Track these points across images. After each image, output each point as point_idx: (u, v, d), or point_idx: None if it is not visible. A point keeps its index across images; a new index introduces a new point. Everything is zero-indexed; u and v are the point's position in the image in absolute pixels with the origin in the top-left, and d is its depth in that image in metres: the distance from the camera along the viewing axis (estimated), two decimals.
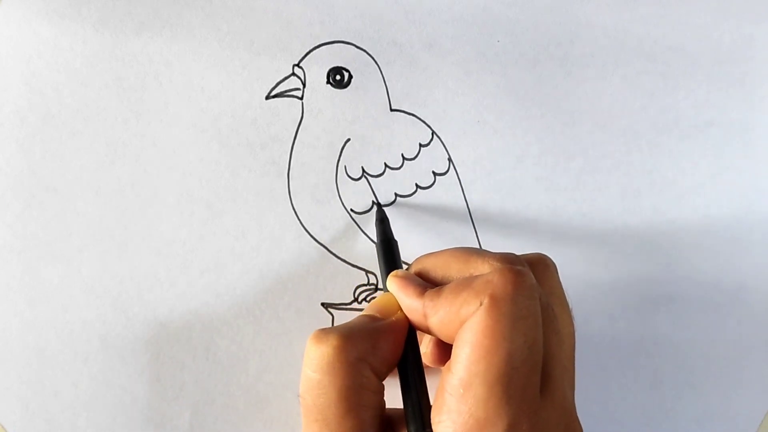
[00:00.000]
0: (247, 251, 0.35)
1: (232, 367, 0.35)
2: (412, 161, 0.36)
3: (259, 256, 0.35)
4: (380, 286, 0.36)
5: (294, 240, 0.36)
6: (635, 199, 0.37)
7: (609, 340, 0.36)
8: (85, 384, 0.35)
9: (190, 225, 0.35)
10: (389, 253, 0.33)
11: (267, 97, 0.36)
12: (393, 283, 0.29)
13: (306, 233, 0.36)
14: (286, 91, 0.36)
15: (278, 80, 0.36)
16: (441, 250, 0.30)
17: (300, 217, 0.36)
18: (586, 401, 0.37)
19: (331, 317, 0.36)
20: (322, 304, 0.36)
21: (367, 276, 0.36)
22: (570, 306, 0.29)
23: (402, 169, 0.36)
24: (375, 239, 0.36)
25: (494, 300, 0.25)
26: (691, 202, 0.37)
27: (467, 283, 0.26)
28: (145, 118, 0.35)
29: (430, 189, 0.36)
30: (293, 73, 0.36)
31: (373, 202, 0.36)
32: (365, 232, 0.36)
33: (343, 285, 0.36)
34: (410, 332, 0.28)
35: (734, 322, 0.37)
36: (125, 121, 0.35)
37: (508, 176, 0.37)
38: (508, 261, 0.27)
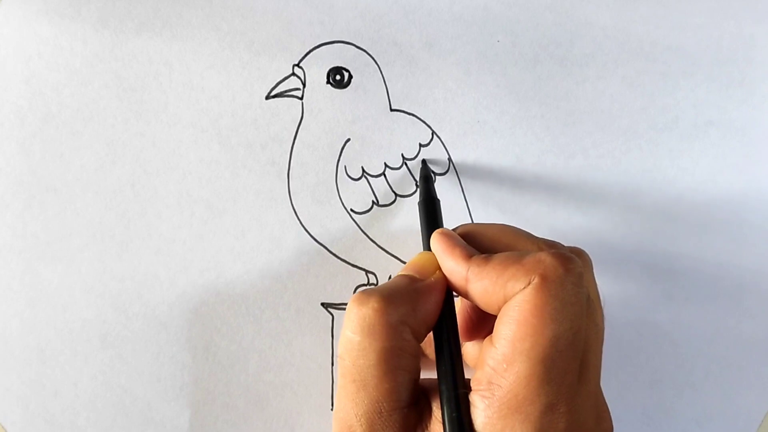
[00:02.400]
0: (247, 251, 0.35)
1: (232, 367, 0.35)
2: (412, 161, 0.36)
3: (259, 256, 0.35)
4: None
5: (294, 240, 0.36)
6: (635, 199, 0.37)
7: (609, 339, 0.36)
8: (85, 384, 0.35)
9: (190, 225, 0.35)
10: (432, 212, 0.32)
11: (267, 97, 0.36)
12: (438, 241, 0.29)
13: (306, 233, 0.36)
14: (286, 91, 0.36)
15: (278, 80, 0.36)
16: (489, 223, 0.30)
17: (300, 217, 0.36)
18: None
19: (331, 317, 0.36)
20: (322, 304, 0.36)
21: (367, 276, 0.36)
22: (603, 303, 0.29)
23: (402, 169, 0.36)
24: (372, 239, 0.36)
25: (545, 280, 0.25)
26: (691, 202, 0.37)
27: (517, 258, 0.26)
28: (145, 118, 0.35)
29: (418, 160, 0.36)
30: (293, 73, 0.36)
31: (423, 160, 0.36)
32: (365, 232, 0.36)
33: (343, 285, 0.36)
34: (448, 294, 0.28)
35: (734, 322, 0.37)
36: (125, 121, 0.35)
37: (508, 176, 0.37)
38: (557, 247, 0.28)
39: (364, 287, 0.27)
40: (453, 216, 0.36)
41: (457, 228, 0.30)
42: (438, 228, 0.30)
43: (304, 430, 0.36)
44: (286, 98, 0.36)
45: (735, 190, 0.38)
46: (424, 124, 0.36)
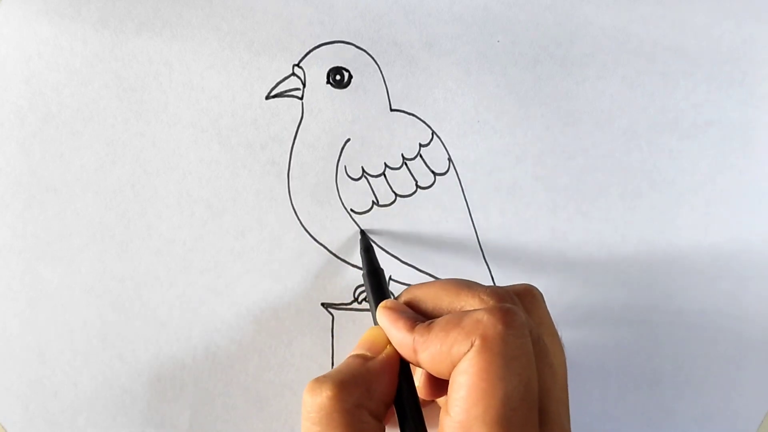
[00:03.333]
0: (247, 251, 0.35)
1: (232, 367, 0.35)
2: (412, 161, 0.36)
3: (259, 256, 0.35)
4: None
5: (294, 240, 0.36)
6: (635, 199, 0.37)
7: (608, 339, 0.36)
8: (85, 384, 0.35)
9: (190, 225, 0.35)
10: (377, 284, 0.32)
11: (267, 97, 0.36)
12: (383, 315, 0.29)
13: (306, 233, 0.36)
14: (286, 91, 0.36)
15: (278, 80, 0.36)
16: (431, 281, 0.30)
17: (300, 217, 0.36)
18: (586, 401, 0.37)
19: (331, 317, 0.36)
20: (322, 304, 0.36)
21: None
22: (559, 333, 0.29)
23: (402, 169, 0.36)
24: (372, 239, 0.36)
25: (485, 340, 0.25)
26: (691, 202, 0.37)
27: (457, 320, 0.26)
28: (145, 118, 0.35)
29: (430, 189, 0.36)
30: (293, 73, 0.36)
31: (358, 229, 0.36)
32: (365, 232, 0.36)
33: (343, 285, 0.36)
34: (403, 365, 0.28)
35: (734, 322, 0.37)
36: (125, 121, 0.35)
37: (508, 176, 0.37)
38: (498, 297, 0.27)
39: (317, 378, 0.27)
40: (453, 216, 0.36)
41: (400, 295, 0.30)
42: (383, 299, 0.30)
43: None
44: (286, 98, 0.36)
45: (735, 190, 0.38)
46: (424, 124, 0.36)
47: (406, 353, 0.28)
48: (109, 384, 0.35)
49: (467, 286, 0.28)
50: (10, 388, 0.35)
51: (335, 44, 0.36)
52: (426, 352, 0.26)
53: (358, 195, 0.36)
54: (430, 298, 0.29)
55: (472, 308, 0.27)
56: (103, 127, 0.35)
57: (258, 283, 0.35)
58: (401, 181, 0.36)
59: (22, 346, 0.35)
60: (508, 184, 0.37)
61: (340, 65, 0.36)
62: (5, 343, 0.35)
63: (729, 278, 0.37)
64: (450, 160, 0.36)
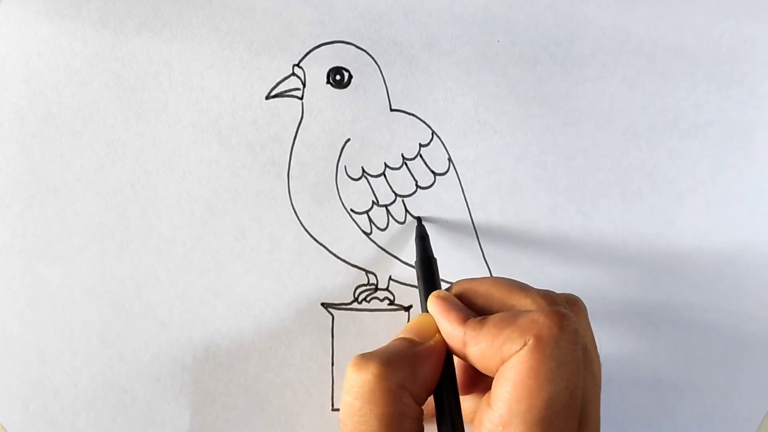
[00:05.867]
0: (247, 251, 0.35)
1: (232, 367, 0.35)
2: (412, 161, 0.36)
3: (259, 256, 0.35)
4: (380, 286, 0.36)
5: (294, 240, 0.36)
6: (635, 199, 0.37)
7: (608, 339, 0.36)
8: (85, 384, 0.35)
9: (190, 225, 0.35)
10: (429, 272, 0.32)
11: (267, 97, 0.36)
12: (435, 305, 0.29)
13: (306, 233, 0.36)
14: (286, 91, 0.36)
15: (278, 80, 0.36)
16: (483, 277, 0.30)
17: (300, 217, 0.36)
18: None
19: (331, 317, 0.36)
20: (322, 304, 0.36)
21: (367, 276, 0.36)
22: (598, 347, 0.29)
23: (402, 169, 0.36)
24: (372, 239, 0.36)
25: (539, 341, 0.25)
26: (691, 202, 0.37)
27: (511, 319, 0.26)
28: (145, 118, 0.35)
29: (430, 189, 0.36)
30: (293, 73, 0.36)
31: (415, 216, 0.36)
32: (365, 232, 0.36)
33: (343, 285, 0.36)
34: (447, 356, 0.28)
35: (734, 322, 0.37)
36: (125, 121, 0.35)
37: (508, 176, 0.37)
38: (552, 301, 0.27)
39: (364, 354, 0.27)
40: (453, 216, 0.36)
41: (451, 287, 0.30)
42: (435, 289, 0.30)
43: (304, 430, 0.36)
44: (286, 98, 0.36)
45: (735, 190, 0.38)
46: (424, 124, 0.36)
47: (454, 345, 0.28)
48: (109, 384, 0.35)
49: (520, 286, 0.29)
50: (10, 388, 0.35)
51: (335, 44, 0.36)
52: (476, 346, 0.26)
53: (358, 195, 0.36)
54: (481, 294, 0.29)
55: (525, 309, 0.27)
56: (103, 127, 0.35)
57: (258, 283, 0.35)
58: (401, 181, 0.36)
59: (22, 346, 0.35)
60: (508, 184, 0.37)
61: (340, 65, 0.36)
62: (5, 343, 0.35)
63: (729, 278, 0.37)
64: (450, 160, 0.36)
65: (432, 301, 0.29)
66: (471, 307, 0.29)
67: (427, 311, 0.29)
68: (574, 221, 0.37)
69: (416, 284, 0.34)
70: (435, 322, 0.29)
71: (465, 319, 0.27)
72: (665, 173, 0.37)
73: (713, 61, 0.37)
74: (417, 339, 0.28)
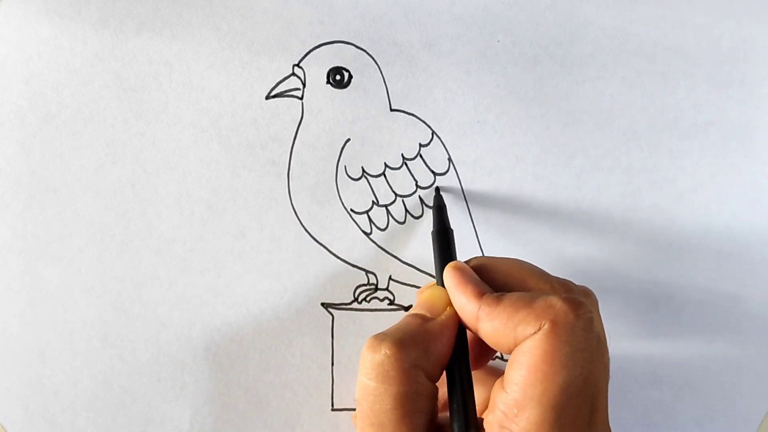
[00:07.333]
0: (247, 251, 0.35)
1: (232, 367, 0.35)
2: (412, 161, 0.36)
3: (259, 256, 0.35)
4: (380, 286, 0.36)
5: (294, 240, 0.36)
6: (635, 199, 0.37)
7: (608, 339, 0.36)
8: (85, 384, 0.35)
9: (190, 225, 0.35)
10: (445, 244, 0.32)
11: (267, 97, 0.36)
12: (451, 276, 0.29)
13: (306, 233, 0.36)
14: (286, 91, 0.36)
15: (278, 80, 0.36)
16: (503, 257, 0.30)
17: (300, 217, 0.36)
18: None
19: (331, 317, 0.36)
20: (322, 304, 0.36)
21: (367, 276, 0.36)
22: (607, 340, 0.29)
23: (402, 169, 0.36)
24: (373, 239, 0.36)
25: (556, 326, 0.25)
26: (691, 202, 0.37)
27: (528, 301, 0.26)
28: (145, 118, 0.35)
29: (430, 189, 0.36)
30: (293, 73, 0.36)
31: (437, 188, 0.35)
32: (365, 232, 0.36)
33: (343, 285, 0.36)
34: (459, 331, 0.28)
35: (734, 322, 0.37)
36: (125, 121, 0.35)
37: (508, 176, 0.37)
38: (569, 289, 0.28)
39: (378, 334, 0.27)
40: (452, 216, 0.36)
41: (470, 260, 0.30)
42: (451, 260, 0.30)
43: (304, 430, 0.36)
44: (286, 98, 0.36)
45: (735, 190, 0.38)
46: (424, 124, 0.36)
47: (467, 319, 0.28)
48: (109, 384, 0.35)
49: (539, 271, 0.29)
50: (10, 388, 0.35)
51: (335, 44, 0.36)
52: (490, 323, 0.26)
53: (358, 195, 0.36)
54: (501, 271, 0.29)
55: (543, 292, 0.27)
56: (103, 127, 0.35)
57: (258, 283, 0.35)
58: (401, 181, 0.36)
59: (22, 346, 0.35)
60: (508, 184, 0.37)
61: (340, 65, 0.36)
62: (5, 343, 0.35)
63: (729, 278, 0.37)
64: (450, 160, 0.36)
65: (448, 272, 0.29)
66: (488, 282, 0.29)
67: (442, 284, 0.29)
68: (574, 220, 0.37)
69: (416, 284, 0.34)
70: (446, 295, 0.29)
71: (481, 294, 0.27)
72: (665, 173, 0.37)
73: (713, 61, 0.37)
74: (428, 314, 0.28)
